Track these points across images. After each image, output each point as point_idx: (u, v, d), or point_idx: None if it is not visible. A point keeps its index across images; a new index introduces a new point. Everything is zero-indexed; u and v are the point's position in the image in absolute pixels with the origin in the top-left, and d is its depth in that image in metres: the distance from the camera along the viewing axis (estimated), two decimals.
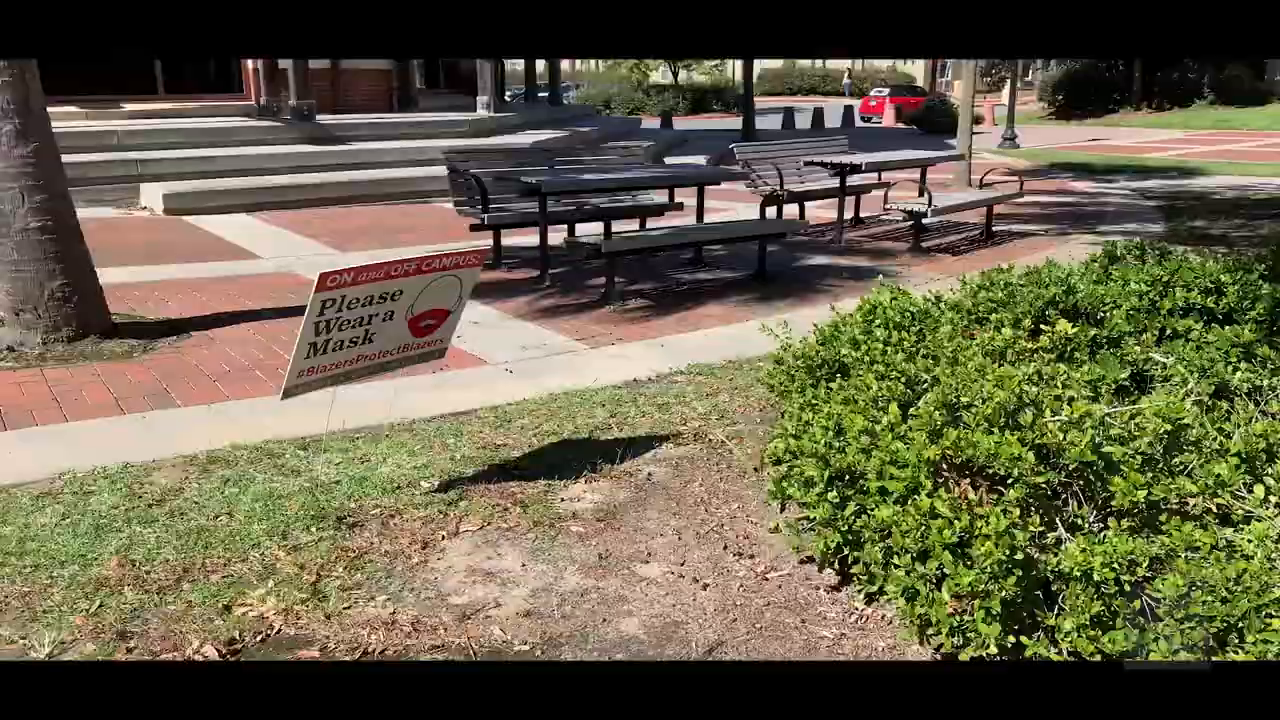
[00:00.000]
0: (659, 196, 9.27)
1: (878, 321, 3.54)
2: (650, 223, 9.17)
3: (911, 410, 2.73)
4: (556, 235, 8.00)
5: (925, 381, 2.86)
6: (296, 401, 4.89)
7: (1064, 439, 2.44)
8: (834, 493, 2.64)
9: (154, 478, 3.89)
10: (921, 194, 11.09)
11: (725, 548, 3.20)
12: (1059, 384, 2.69)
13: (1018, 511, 2.26)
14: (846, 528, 2.62)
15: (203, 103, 14.43)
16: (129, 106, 13.79)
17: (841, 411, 2.78)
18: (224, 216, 11.01)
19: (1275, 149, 22.81)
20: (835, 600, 2.83)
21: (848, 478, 2.73)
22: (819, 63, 59.30)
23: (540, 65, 25.12)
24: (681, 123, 34.43)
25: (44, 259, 5.53)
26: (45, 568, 3.12)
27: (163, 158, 11.93)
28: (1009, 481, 2.38)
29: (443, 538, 3.35)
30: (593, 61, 60.46)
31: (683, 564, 3.12)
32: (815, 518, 2.66)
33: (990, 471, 2.41)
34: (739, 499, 3.60)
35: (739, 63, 53.69)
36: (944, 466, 2.49)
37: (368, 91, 16.19)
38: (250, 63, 14.95)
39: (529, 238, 9.21)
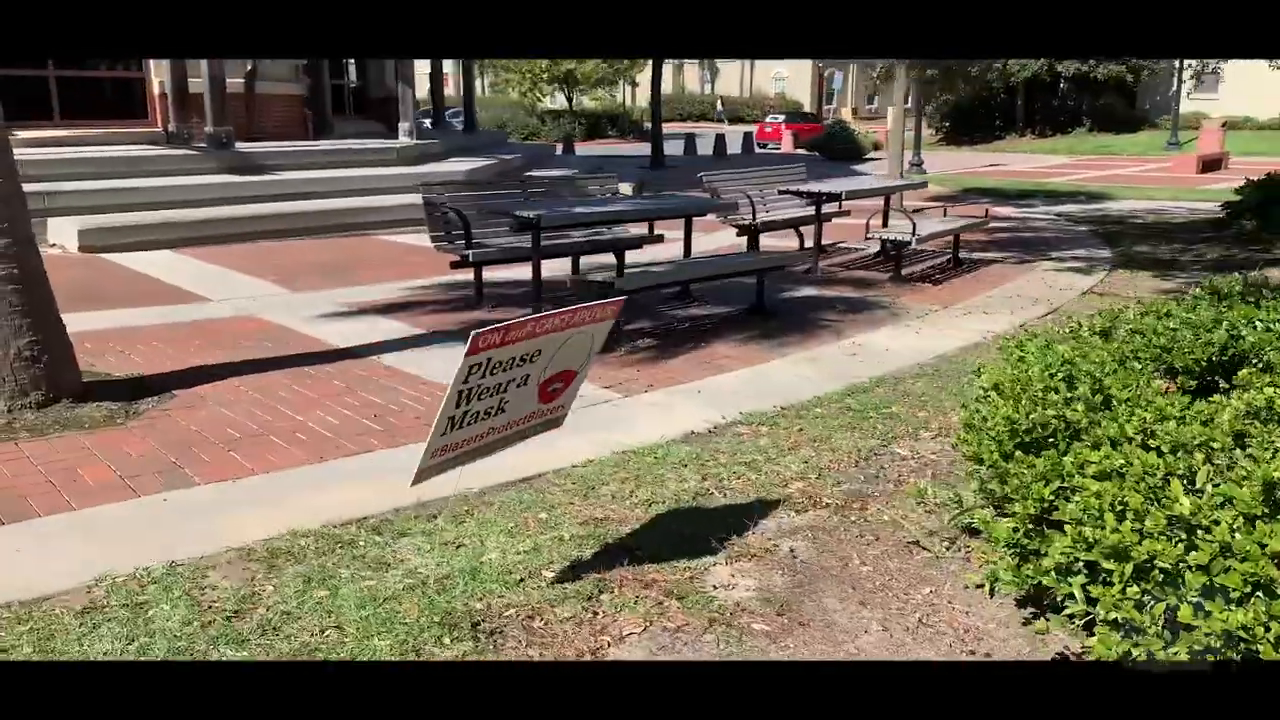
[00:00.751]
0: (634, 229, 8.87)
1: (1060, 375, 3.21)
2: (628, 255, 8.77)
3: (1197, 485, 2.41)
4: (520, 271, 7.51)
5: (1189, 448, 2.54)
6: (335, 474, 4.32)
7: None
8: (1134, 589, 2.29)
9: (212, 579, 3.26)
10: (885, 223, 11.03)
11: (952, 645, 2.80)
12: None
13: None
14: (1156, 629, 2.27)
15: (104, 129, 13.30)
16: (22, 134, 12.58)
17: (1112, 490, 2.43)
18: (147, 254, 10.08)
19: (1160, 174, 23.93)
20: None
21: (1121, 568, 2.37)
22: (709, 89, 60.02)
23: (448, 89, 24.44)
24: (582, 148, 34.15)
25: (9, 313, 4.77)
26: None
27: (71, 190, 10.89)
28: None
29: (608, 645, 2.85)
30: (480, 87, 59.64)
31: None
32: (1118, 617, 2.29)
33: None
34: (926, 581, 3.21)
35: (630, 89, 53.81)
36: None
37: (282, 117, 15.28)
38: (156, 86, 13.90)
39: (500, 273, 8.70)
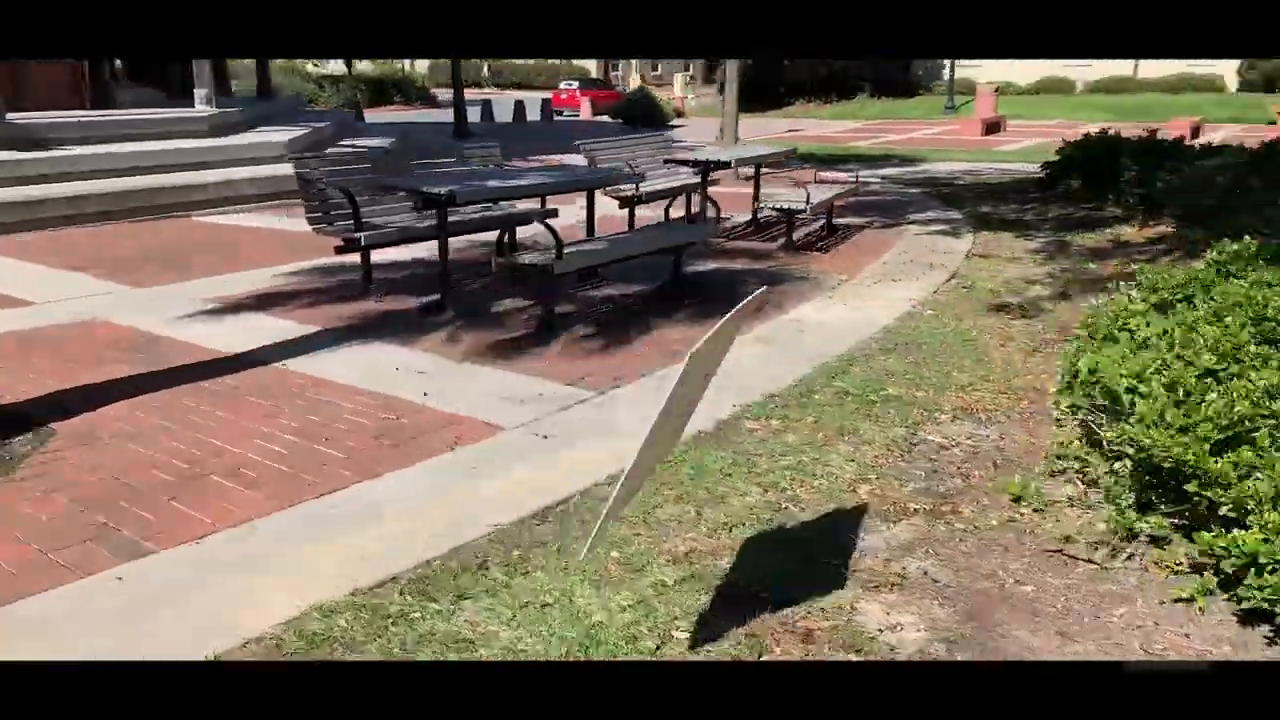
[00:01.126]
0: (523, 205, 8.17)
1: (1192, 370, 2.93)
2: (519, 232, 8.07)
3: None
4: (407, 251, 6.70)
5: None
6: (317, 520, 3.51)
7: None
8: None
9: None
10: (757, 193, 10.79)
11: None
12: None
13: None
14: None
15: None
16: None
17: None
18: None
19: (951, 136, 25.19)
20: None
21: None
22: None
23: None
24: (371, 115, 32.27)
25: None
26: None
27: None
28: None
29: None
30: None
31: None
32: None
33: None
34: (1109, 598, 2.85)
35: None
36: None
37: (54, 84, 13.25)
38: None
39: (379, 255, 7.80)
